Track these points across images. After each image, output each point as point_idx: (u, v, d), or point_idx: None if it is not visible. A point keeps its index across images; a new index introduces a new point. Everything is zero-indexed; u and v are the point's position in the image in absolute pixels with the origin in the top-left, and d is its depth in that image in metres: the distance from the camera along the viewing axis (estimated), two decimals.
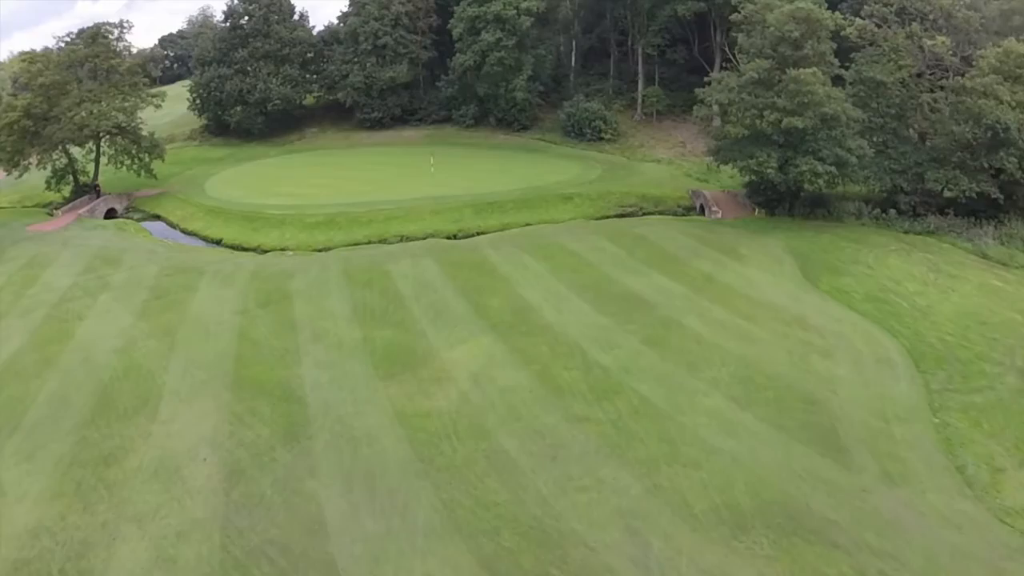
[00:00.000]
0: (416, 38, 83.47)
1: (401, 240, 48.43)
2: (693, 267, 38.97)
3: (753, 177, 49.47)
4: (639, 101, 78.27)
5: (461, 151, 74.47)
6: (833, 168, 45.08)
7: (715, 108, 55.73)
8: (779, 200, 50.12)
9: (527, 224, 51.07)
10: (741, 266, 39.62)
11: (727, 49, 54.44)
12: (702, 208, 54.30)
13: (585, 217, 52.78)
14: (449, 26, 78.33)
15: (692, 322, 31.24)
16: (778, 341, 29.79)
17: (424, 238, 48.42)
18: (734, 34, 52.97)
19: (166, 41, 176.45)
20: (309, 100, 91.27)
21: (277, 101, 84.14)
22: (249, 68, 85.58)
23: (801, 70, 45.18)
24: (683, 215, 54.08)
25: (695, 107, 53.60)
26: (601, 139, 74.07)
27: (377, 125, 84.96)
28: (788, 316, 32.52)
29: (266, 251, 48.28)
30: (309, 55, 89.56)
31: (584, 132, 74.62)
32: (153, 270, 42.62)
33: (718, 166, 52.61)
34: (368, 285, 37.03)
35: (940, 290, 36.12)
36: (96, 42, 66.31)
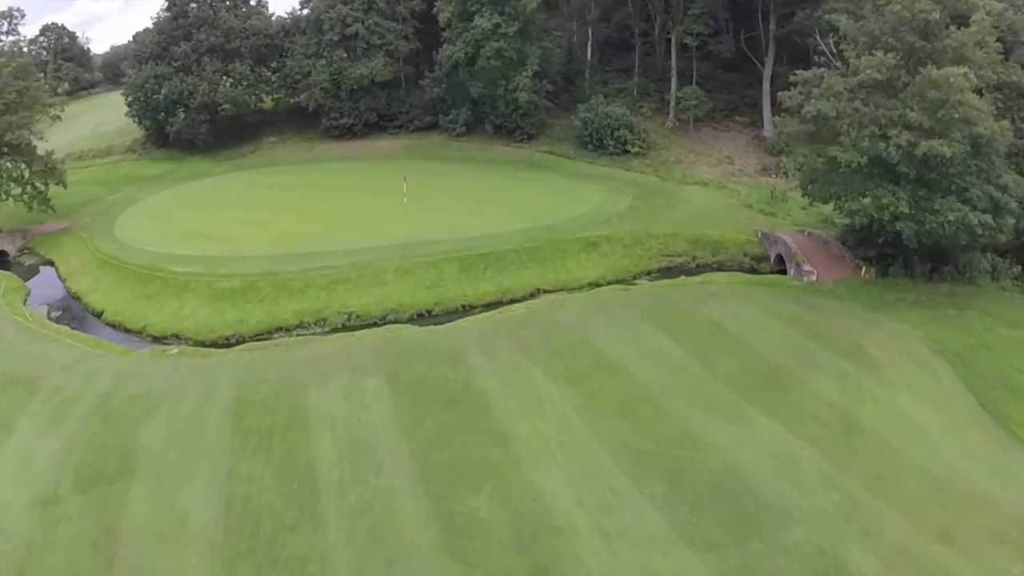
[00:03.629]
0: (395, 26, 67.51)
1: (346, 323, 32.59)
2: (813, 394, 24.08)
3: (863, 221, 34.08)
4: (672, 104, 62.46)
5: (448, 169, 58.68)
6: (989, 218, 30.36)
7: (767, 115, 40.74)
8: (895, 253, 35.02)
9: (536, 290, 35.89)
10: (882, 387, 24.98)
11: (819, 39, 38.39)
12: (780, 259, 38.83)
13: (618, 276, 37.51)
14: (435, 10, 62.64)
15: (864, 566, 15.94)
16: None
17: (381, 319, 32.77)
18: (829, 17, 37.31)
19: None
20: (268, 104, 75.56)
21: (226, 105, 68.40)
22: (193, 66, 69.87)
23: (946, 69, 30.23)
24: (753, 271, 38.71)
25: (777, 120, 38.14)
26: (627, 152, 58.54)
27: (347, 134, 69.14)
28: (1003, 519, 18.55)
29: (153, 338, 32.76)
30: (265, 49, 73.45)
31: (605, 144, 59.03)
32: None
33: (811, 203, 37.07)
34: (265, 445, 21.73)
35: None
36: None
